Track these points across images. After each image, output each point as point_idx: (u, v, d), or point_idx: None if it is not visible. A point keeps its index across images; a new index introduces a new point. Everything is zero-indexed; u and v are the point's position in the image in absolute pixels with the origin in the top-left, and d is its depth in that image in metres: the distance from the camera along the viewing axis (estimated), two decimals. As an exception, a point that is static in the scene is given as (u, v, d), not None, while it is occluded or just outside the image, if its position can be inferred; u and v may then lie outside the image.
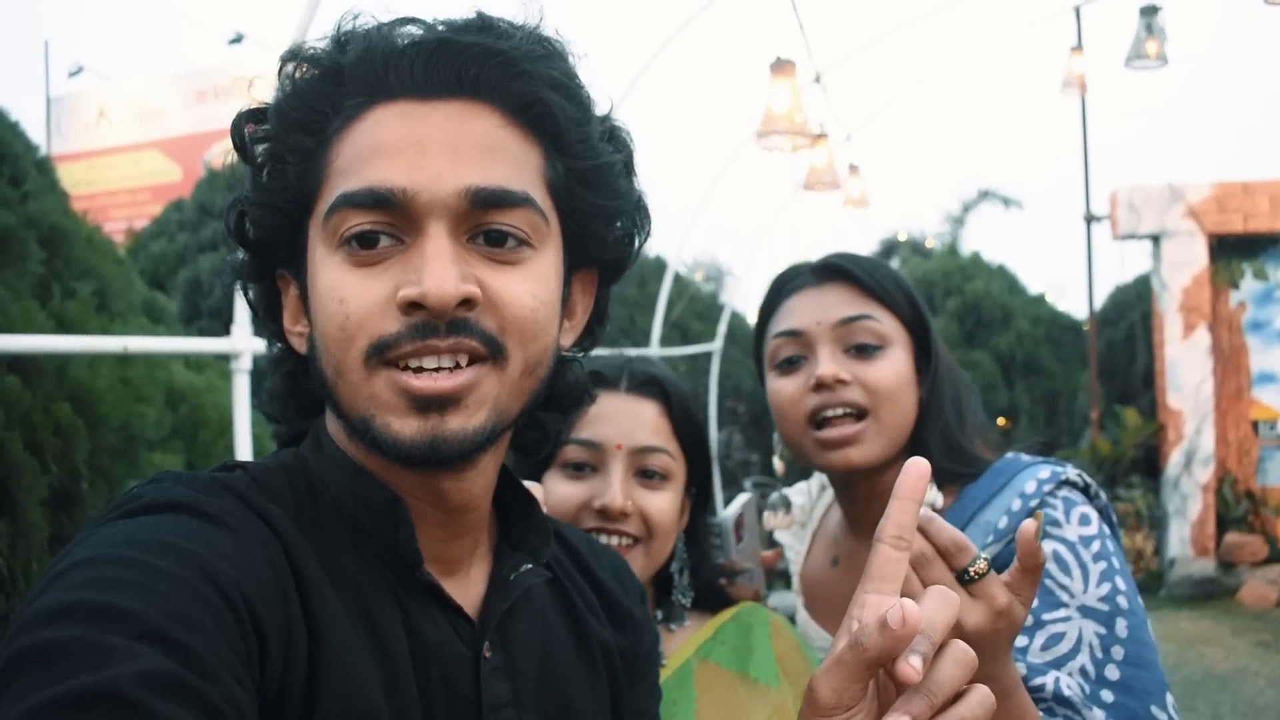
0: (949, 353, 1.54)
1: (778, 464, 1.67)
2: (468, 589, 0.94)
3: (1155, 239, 8.98)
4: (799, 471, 1.68)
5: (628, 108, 6.00)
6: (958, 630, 0.88)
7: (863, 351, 1.44)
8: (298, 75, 0.87)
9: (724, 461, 10.56)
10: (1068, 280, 19.99)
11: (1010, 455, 1.46)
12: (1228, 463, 8.74)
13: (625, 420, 1.39)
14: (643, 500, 1.37)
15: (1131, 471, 9.13)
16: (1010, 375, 11.04)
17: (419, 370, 0.81)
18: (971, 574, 1.00)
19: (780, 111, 4.49)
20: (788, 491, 1.78)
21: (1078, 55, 8.38)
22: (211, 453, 3.52)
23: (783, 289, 1.53)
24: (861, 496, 1.49)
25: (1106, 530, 1.35)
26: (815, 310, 1.47)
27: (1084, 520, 1.33)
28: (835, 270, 1.48)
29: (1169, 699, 1.27)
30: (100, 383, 3.12)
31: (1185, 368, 8.74)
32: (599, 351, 1.07)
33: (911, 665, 0.67)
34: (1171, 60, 7.17)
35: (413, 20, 0.86)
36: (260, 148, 0.88)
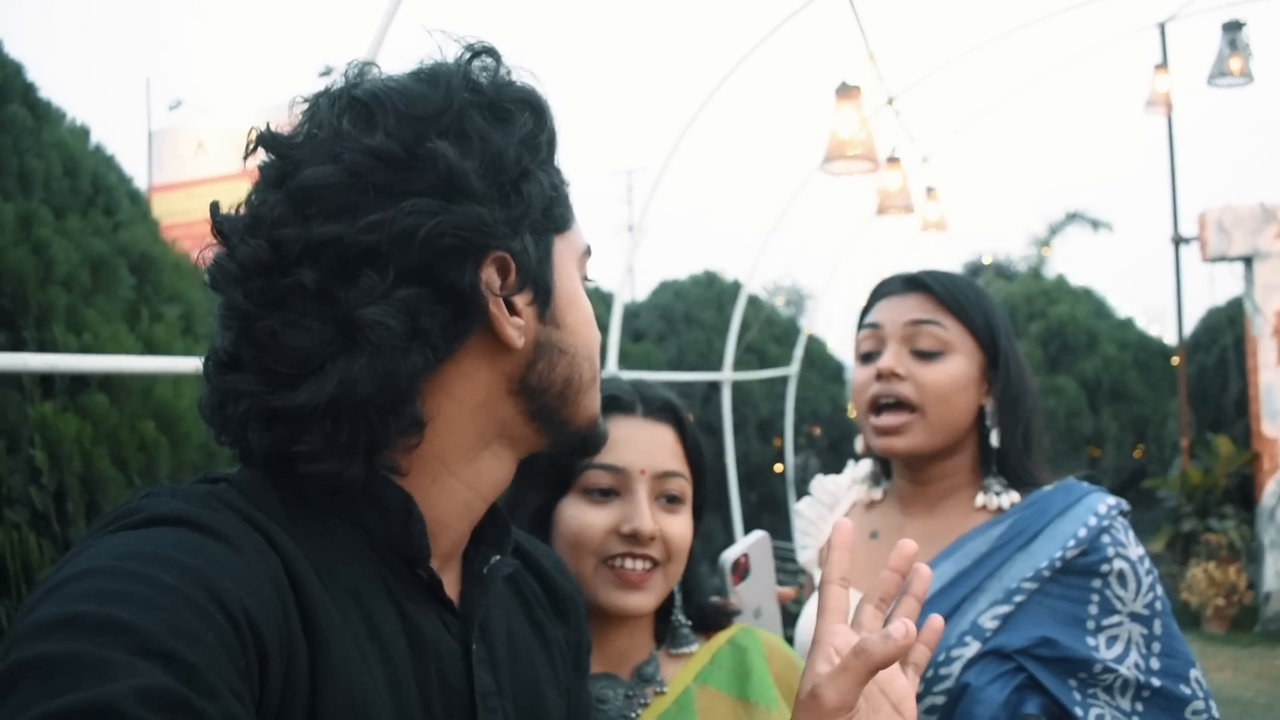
0: (1029, 375, 1.70)
1: (860, 444, 1.81)
2: (447, 585, 0.96)
3: (1247, 261, 8.71)
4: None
5: (700, 127, 6.08)
6: None
7: (923, 354, 1.64)
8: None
9: (800, 487, 10.49)
10: (1162, 305, 19.44)
11: (1072, 479, 1.66)
12: (1326, 492, 8.41)
13: (645, 445, 1.40)
14: (664, 524, 1.37)
15: (1224, 502, 8.82)
16: (1096, 402, 10.78)
17: None
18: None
19: (846, 137, 4.49)
20: (825, 479, 1.98)
21: (1162, 73, 8.21)
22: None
23: (877, 293, 1.74)
24: (919, 479, 1.71)
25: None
26: (893, 311, 1.68)
27: (1137, 543, 1.57)
28: (917, 282, 1.68)
29: (1194, 673, 1.54)
30: (183, 402, 3.25)
31: (1280, 394, 8.45)
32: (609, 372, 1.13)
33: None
34: (1258, 77, 6.99)
35: None
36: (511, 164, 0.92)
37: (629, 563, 1.35)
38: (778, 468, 10.56)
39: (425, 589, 0.93)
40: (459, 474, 0.94)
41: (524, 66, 0.97)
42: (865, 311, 1.76)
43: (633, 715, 1.36)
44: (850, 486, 1.90)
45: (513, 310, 0.92)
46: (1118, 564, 1.52)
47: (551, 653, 1.10)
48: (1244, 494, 8.84)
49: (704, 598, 1.51)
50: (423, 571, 0.92)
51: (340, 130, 0.87)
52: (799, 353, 10.03)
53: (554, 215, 0.95)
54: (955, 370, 1.63)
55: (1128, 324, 11.71)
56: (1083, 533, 1.54)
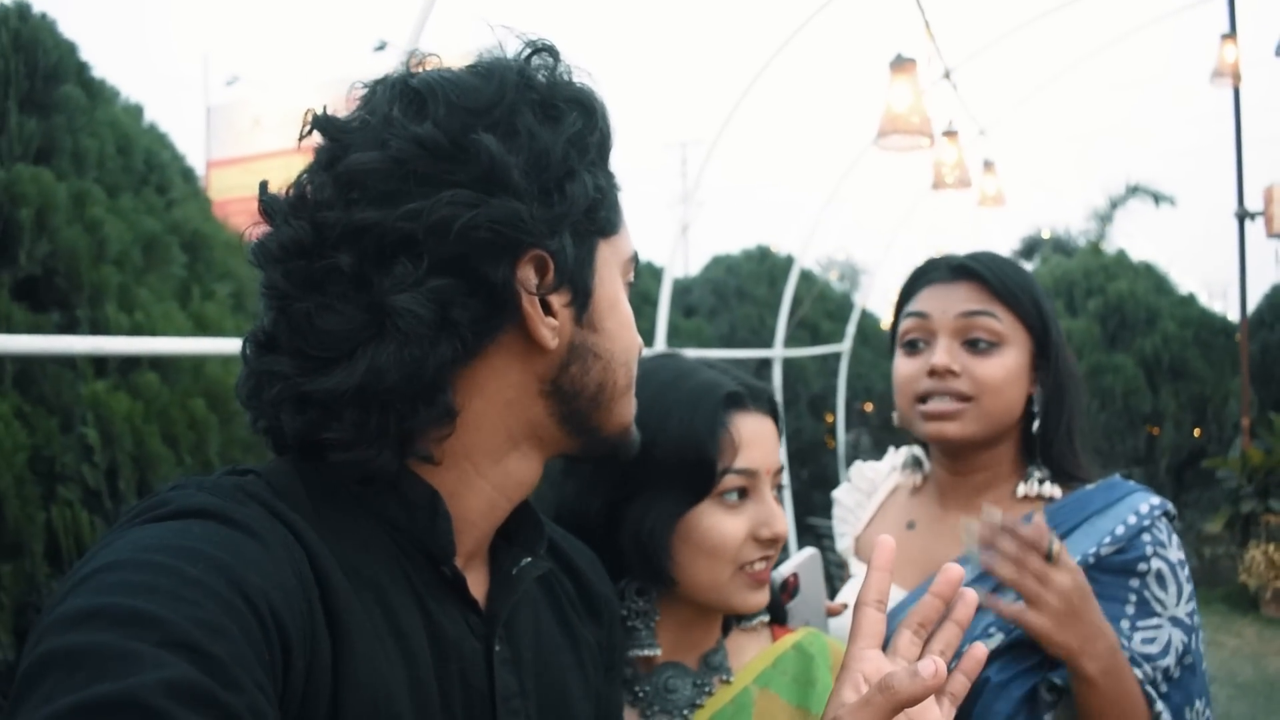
0: (1075, 365, 1.65)
1: (897, 422, 1.73)
2: (473, 582, 0.96)
3: (1315, 237, 8.47)
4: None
5: (755, 100, 6.01)
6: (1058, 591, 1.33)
7: (976, 346, 1.58)
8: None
9: (852, 464, 10.42)
10: (1225, 281, 19.00)
11: (1117, 477, 1.60)
12: (1394, 474, 8.18)
13: (767, 442, 1.35)
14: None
15: (1286, 482, 8.63)
16: (1155, 380, 10.56)
17: None
18: (1053, 554, 1.34)
19: (900, 110, 4.40)
20: (864, 465, 1.92)
21: (1229, 43, 7.96)
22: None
23: (920, 279, 1.67)
24: (959, 470, 1.66)
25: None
26: (942, 301, 1.61)
27: (1179, 548, 1.52)
28: (966, 270, 1.61)
29: (1199, 704, 1.49)
30: (233, 380, 3.27)
31: (1348, 373, 8.21)
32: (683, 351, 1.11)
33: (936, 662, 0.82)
34: (1331, 47, 6.75)
35: None
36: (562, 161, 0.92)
37: (759, 564, 1.32)
38: (829, 444, 10.50)
39: (449, 587, 0.92)
40: (485, 473, 0.94)
41: (581, 66, 0.96)
42: (906, 296, 1.69)
43: (700, 703, 1.34)
44: (889, 473, 1.86)
45: (548, 310, 0.91)
46: (1156, 564, 1.47)
47: (581, 655, 1.08)
48: (1307, 475, 8.63)
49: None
50: (447, 569, 0.91)
51: (390, 117, 0.88)
52: (851, 329, 9.94)
53: (598, 218, 0.94)
54: (1010, 363, 1.58)
55: (1189, 300, 11.44)
56: (1120, 530, 1.49)
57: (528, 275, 0.89)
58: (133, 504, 0.82)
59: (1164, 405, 10.39)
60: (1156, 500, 1.54)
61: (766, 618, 1.44)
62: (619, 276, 0.99)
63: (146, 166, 3.79)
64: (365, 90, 0.93)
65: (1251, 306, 9.77)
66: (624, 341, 0.98)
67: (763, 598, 1.34)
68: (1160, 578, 1.47)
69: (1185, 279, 12.67)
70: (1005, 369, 1.57)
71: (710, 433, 1.29)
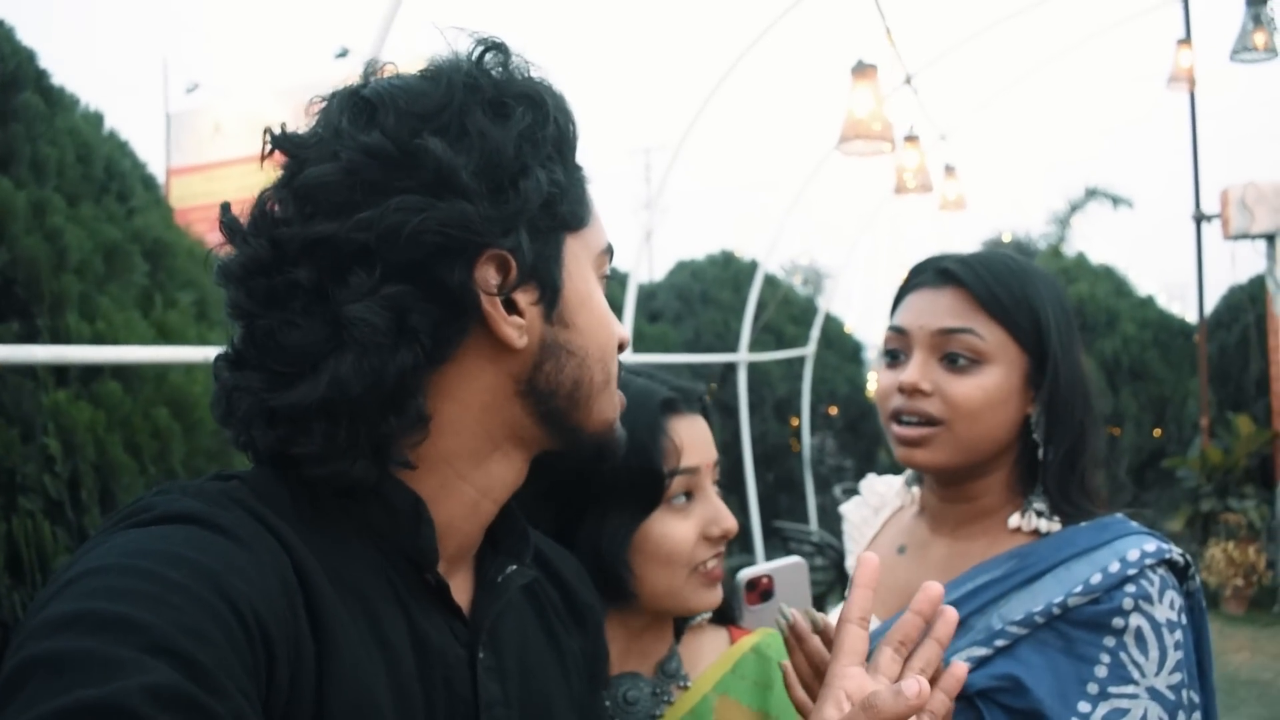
0: (1086, 380, 1.48)
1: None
2: (457, 590, 0.96)
3: (1270, 239, 8.57)
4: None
5: (717, 105, 6.04)
6: None
7: (953, 364, 1.42)
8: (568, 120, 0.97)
9: (817, 467, 10.47)
10: (1183, 283, 19.27)
11: (1119, 516, 1.42)
12: (1348, 472, 8.34)
13: (703, 439, 1.35)
14: None
15: (1244, 482, 8.76)
16: (1116, 380, 10.70)
17: None
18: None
19: (862, 116, 4.44)
20: (875, 480, 1.82)
21: (1185, 48, 8.09)
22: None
23: (909, 282, 1.53)
24: (947, 496, 1.52)
25: (1186, 623, 1.32)
26: (921, 313, 1.46)
27: (1173, 605, 1.30)
28: (951, 276, 1.45)
29: None
30: (197, 389, 3.26)
31: (1302, 373, 8.36)
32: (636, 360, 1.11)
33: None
34: (1282, 53, 6.88)
35: None
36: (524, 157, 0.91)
37: (712, 562, 1.32)
38: (794, 448, 10.54)
39: (433, 594, 0.92)
40: (466, 476, 0.93)
41: (534, 61, 0.95)
42: (896, 301, 1.55)
43: (658, 713, 1.33)
44: (900, 490, 1.72)
45: (514, 309, 0.91)
46: (1135, 620, 1.27)
47: (566, 665, 1.08)
48: (1264, 474, 8.78)
49: None
50: (430, 576, 0.91)
51: (340, 129, 0.88)
52: (816, 333, 10.00)
53: (561, 212, 0.93)
54: (990, 383, 1.41)
55: (1148, 302, 11.61)
56: (1096, 579, 1.30)
57: (487, 276, 0.88)
58: (115, 512, 0.82)
59: (1124, 406, 10.53)
60: (1152, 546, 1.32)
61: (709, 615, 1.41)
62: (591, 270, 0.98)
63: (107, 174, 3.75)
64: (323, 103, 0.92)
65: (1209, 308, 9.91)
66: (599, 337, 0.96)
67: (717, 595, 1.33)
68: (1140, 638, 1.27)
69: (1144, 281, 12.90)
70: (984, 390, 1.40)
71: (653, 440, 1.29)
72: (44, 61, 3.64)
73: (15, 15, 3.56)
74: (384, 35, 2.76)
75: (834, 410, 11.62)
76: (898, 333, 1.49)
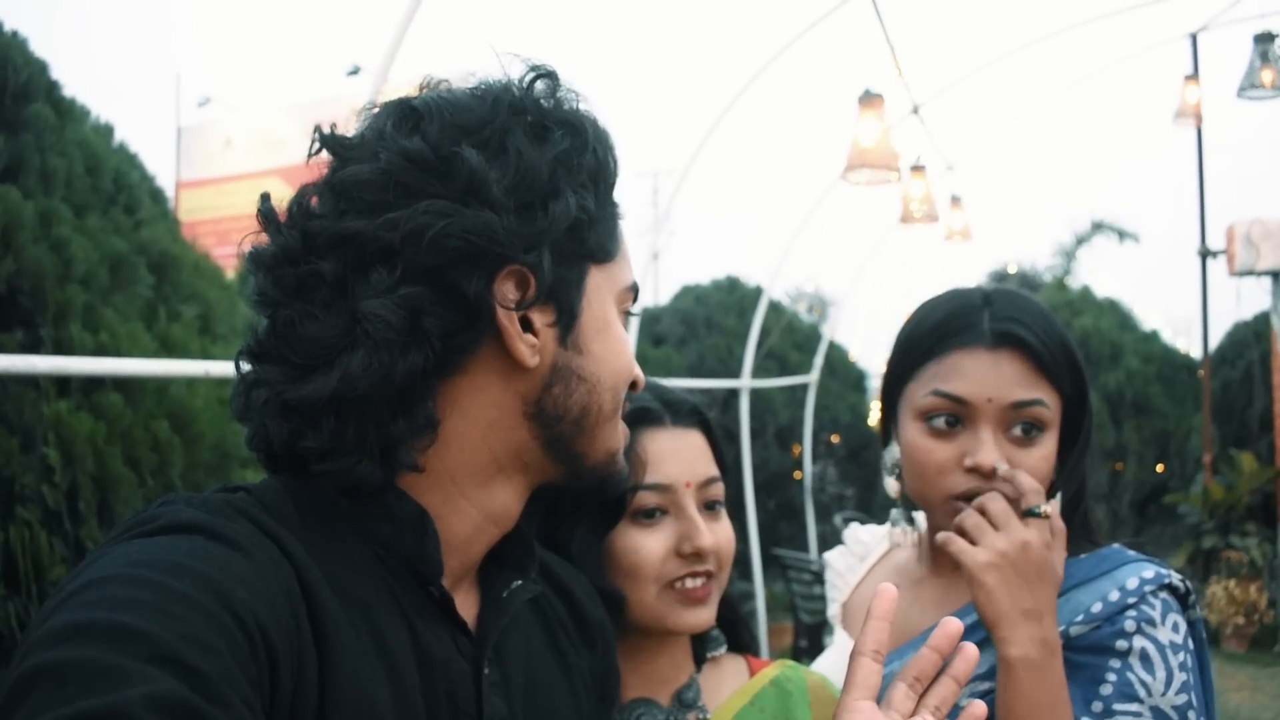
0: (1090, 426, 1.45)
1: (891, 486, 1.53)
2: (463, 605, 0.96)
3: (1275, 275, 8.62)
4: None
5: (725, 133, 6.06)
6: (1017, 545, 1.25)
7: (1025, 434, 1.36)
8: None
9: (818, 495, 10.43)
10: (1188, 318, 19.27)
11: (1116, 546, 1.41)
12: (1352, 512, 8.30)
13: (685, 455, 1.32)
14: (714, 533, 1.31)
15: (1246, 519, 8.72)
16: (1119, 415, 10.68)
17: None
18: (1041, 513, 1.26)
19: (868, 145, 4.46)
20: (859, 529, 1.79)
21: (1192, 84, 8.13)
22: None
23: (947, 337, 1.40)
24: None
25: (1192, 647, 1.31)
26: (987, 384, 1.35)
27: (1176, 628, 1.30)
28: (1014, 339, 1.36)
29: None
30: (198, 402, 3.26)
31: (1306, 410, 8.35)
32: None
33: None
34: (1289, 91, 6.91)
35: None
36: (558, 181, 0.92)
37: (689, 581, 1.29)
38: (796, 475, 10.51)
39: (437, 608, 0.92)
40: (469, 495, 0.94)
41: (580, 92, 0.97)
42: (928, 352, 1.41)
43: None
44: (883, 538, 1.70)
45: (529, 327, 0.92)
46: (1139, 643, 1.27)
47: (574, 682, 1.08)
48: (1267, 511, 8.74)
49: (733, 607, 1.43)
50: (435, 589, 0.91)
51: (384, 132, 0.91)
52: (819, 360, 9.98)
53: (587, 240, 0.94)
54: (1051, 449, 1.37)
55: (1153, 337, 11.61)
56: (1098, 608, 1.30)
57: (506, 290, 0.89)
58: (120, 523, 0.83)
59: (1127, 440, 10.51)
60: (1151, 573, 1.32)
61: (724, 647, 1.40)
62: (612, 303, 0.99)
63: (115, 186, 3.75)
64: (373, 111, 0.95)
65: (1213, 344, 9.91)
66: (612, 366, 0.97)
67: (703, 616, 1.30)
68: (1146, 658, 1.27)
69: (1149, 316, 12.86)
70: (1049, 460, 1.36)
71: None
72: (56, 73, 3.66)
73: (28, 26, 3.58)
74: (395, 53, 2.78)
75: (836, 438, 11.59)
76: (955, 401, 1.37)
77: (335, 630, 0.81)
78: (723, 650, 1.41)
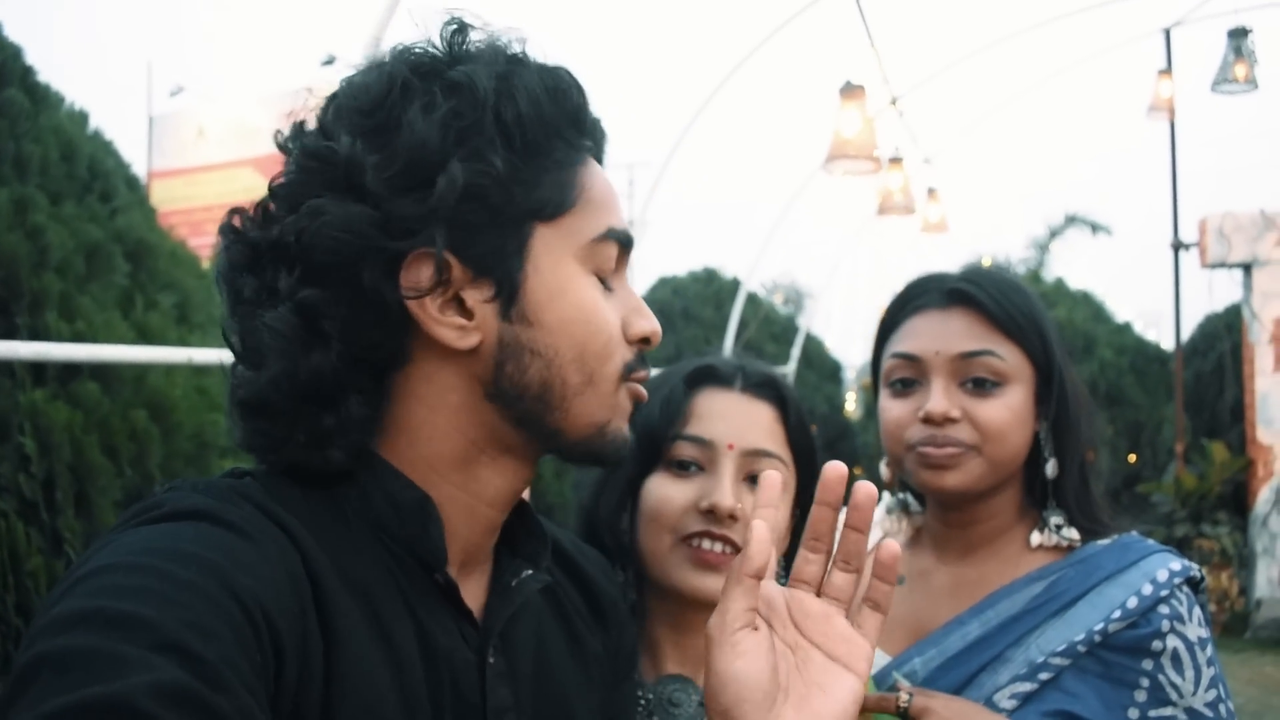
0: (1084, 394, 1.47)
1: (885, 471, 1.54)
2: (471, 594, 0.94)
3: (1246, 268, 8.71)
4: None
5: (703, 125, 6.06)
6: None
7: (979, 387, 1.39)
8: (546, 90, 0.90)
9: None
10: (1160, 310, 19.43)
11: (1135, 534, 1.42)
12: (1320, 501, 8.42)
13: (738, 419, 1.29)
14: (750, 508, 1.23)
15: (1218, 508, 8.83)
16: (1093, 406, 10.78)
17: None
18: (906, 712, 1.24)
19: (849, 136, 4.47)
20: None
21: (1166, 79, 8.20)
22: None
23: (906, 305, 1.47)
24: (954, 521, 1.47)
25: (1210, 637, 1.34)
26: (936, 338, 1.41)
27: (1201, 623, 1.32)
28: (963, 296, 1.41)
29: None
30: (176, 391, 3.24)
31: (1276, 401, 8.45)
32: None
33: None
34: (1262, 84, 6.98)
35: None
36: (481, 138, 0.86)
37: (707, 543, 1.25)
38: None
39: (442, 595, 0.91)
40: (454, 480, 0.92)
41: (504, 33, 0.92)
42: (892, 323, 1.49)
43: None
44: (874, 525, 1.67)
45: (463, 308, 0.88)
46: (1172, 642, 1.28)
47: (590, 669, 1.06)
48: (1238, 500, 8.85)
49: None
50: (439, 576, 0.90)
51: (304, 128, 0.90)
52: (796, 351, 10.02)
53: (506, 203, 0.87)
54: (1015, 402, 1.38)
55: (1125, 328, 11.70)
56: (1133, 603, 1.30)
57: (417, 276, 0.85)
58: (128, 509, 0.83)
59: (1100, 431, 10.58)
60: (1178, 565, 1.34)
61: None
62: (572, 261, 0.91)
63: (90, 174, 3.71)
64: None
65: (1185, 335, 10.00)
66: (574, 335, 0.90)
67: (714, 584, 1.23)
68: (1176, 659, 1.28)
69: (1121, 308, 12.94)
70: (1011, 410, 1.38)
71: (665, 402, 1.28)
72: (30, 58, 3.62)
73: (3, 11, 3.54)
74: (376, 44, 2.76)
75: (813, 429, 11.63)
76: (908, 360, 1.43)
77: (341, 618, 0.80)
78: None
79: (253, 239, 0.87)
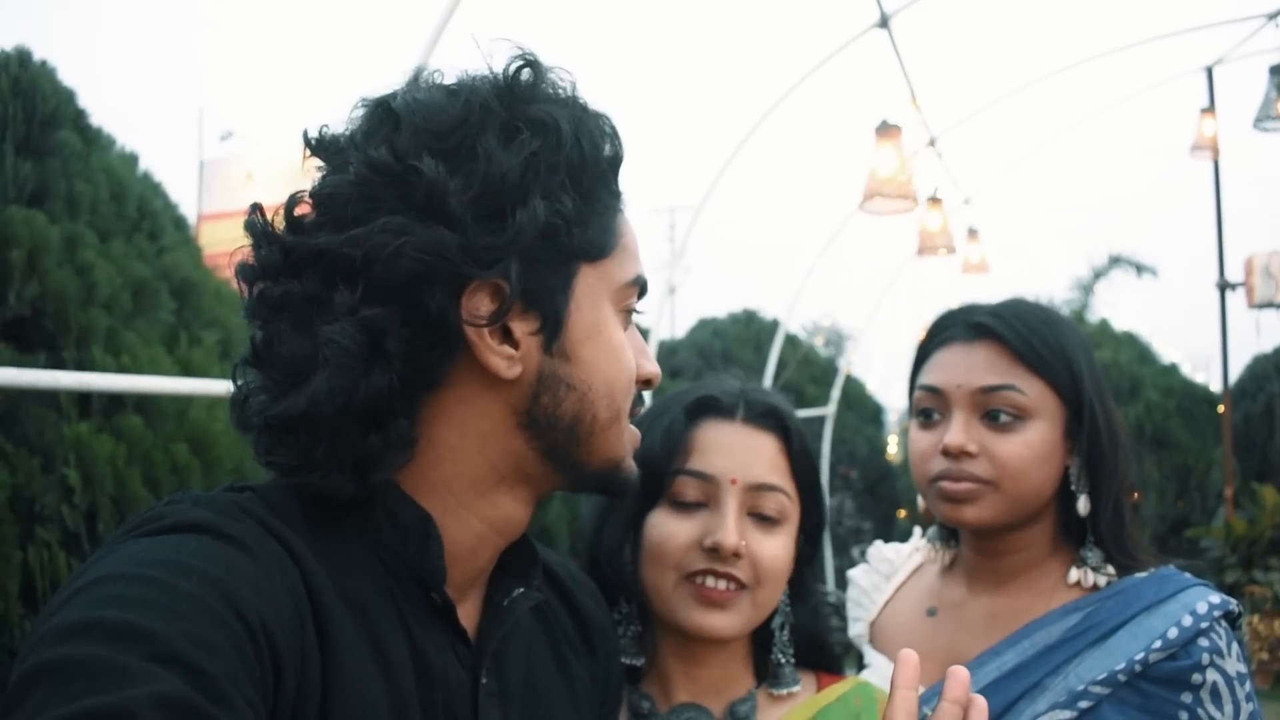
0: (1120, 427, 1.46)
1: (921, 502, 1.56)
2: (465, 613, 0.95)
3: (1294, 308, 8.57)
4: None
5: (741, 167, 6.08)
6: None
7: (997, 420, 1.39)
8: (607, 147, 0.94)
9: (835, 529, 10.38)
10: (1207, 351, 19.11)
11: (1172, 567, 1.42)
12: (1376, 546, 8.20)
13: (741, 453, 1.27)
14: (755, 543, 1.24)
15: (1269, 553, 8.61)
16: (1139, 449, 10.58)
17: None
18: None
19: (885, 175, 4.47)
20: (884, 547, 1.76)
21: (1209, 117, 8.12)
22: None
23: (936, 337, 1.49)
24: (988, 551, 1.47)
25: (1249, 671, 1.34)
26: (958, 371, 1.42)
27: (1240, 658, 1.32)
28: (987, 330, 1.42)
29: None
30: (218, 426, 3.28)
31: (1328, 444, 8.27)
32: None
33: None
34: (1307, 123, 6.90)
35: None
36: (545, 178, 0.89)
37: (710, 580, 1.24)
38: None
39: (438, 615, 0.91)
40: (470, 506, 0.92)
41: (568, 76, 0.93)
42: (923, 357, 1.50)
43: None
44: (910, 555, 1.68)
45: (510, 338, 0.89)
46: (1211, 675, 1.27)
47: (576, 692, 1.07)
48: (1290, 546, 8.64)
49: (816, 633, 1.37)
50: (436, 596, 0.90)
51: (357, 139, 0.89)
52: (836, 393, 9.96)
53: (568, 241, 0.90)
54: (1035, 439, 1.38)
55: (1172, 370, 11.53)
56: (1174, 634, 1.29)
57: (477, 304, 0.87)
58: (127, 520, 0.83)
59: (1147, 474, 10.41)
60: (1217, 599, 1.33)
61: (797, 688, 1.32)
62: (607, 303, 0.94)
63: (139, 213, 3.80)
64: (360, 108, 0.93)
65: (1233, 377, 9.83)
66: (605, 372, 0.93)
67: (718, 622, 1.24)
68: (1216, 693, 1.27)
69: (1168, 349, 12.78)
70: (1030, 447, 1.37)
71: (666, 435, 1.26)
72: (83, 101, 3.72)
73: (58, 55, 3.65)
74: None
75: (853, 472, 11.53)
76: (931, 392, 1.44)
77: (338, 633, 0.81)
78: (794, 689, 1.32)
79: (289, 244, 0.86)
